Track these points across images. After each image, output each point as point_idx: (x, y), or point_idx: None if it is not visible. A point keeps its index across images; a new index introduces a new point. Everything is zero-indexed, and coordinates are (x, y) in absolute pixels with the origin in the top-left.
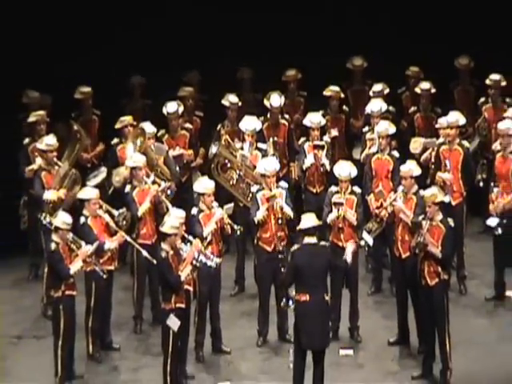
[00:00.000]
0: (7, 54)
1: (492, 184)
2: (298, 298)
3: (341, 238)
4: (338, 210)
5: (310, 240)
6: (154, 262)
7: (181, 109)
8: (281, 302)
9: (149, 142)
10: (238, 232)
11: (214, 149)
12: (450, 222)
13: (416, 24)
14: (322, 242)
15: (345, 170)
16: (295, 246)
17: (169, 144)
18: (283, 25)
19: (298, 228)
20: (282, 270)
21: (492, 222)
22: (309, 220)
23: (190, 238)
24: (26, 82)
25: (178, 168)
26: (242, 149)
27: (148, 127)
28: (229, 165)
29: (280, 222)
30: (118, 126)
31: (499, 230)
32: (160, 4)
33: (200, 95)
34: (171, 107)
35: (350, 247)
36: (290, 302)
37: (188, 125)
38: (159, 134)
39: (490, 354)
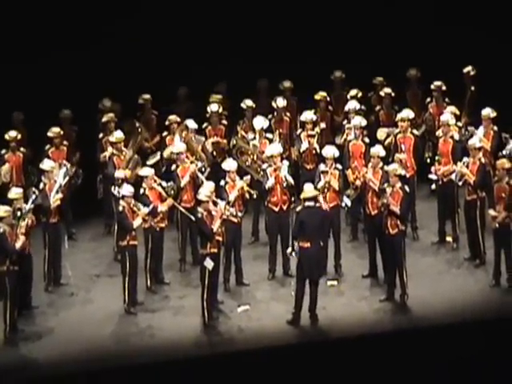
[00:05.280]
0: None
1: (436, 158)
2: (301, 244)
3: (327, 201)
4: (325, 177)
5: (310, 203)
6: (193, 218)
7: (220, 109)
8: (286, 249)
9: (190, 134)
10: (255, 196)
11: (233, 140)
12: (406, 188)
13: (380, 47)
14: (318, 204)
15: (330, 151)
16: (299, 208)
17: (210, 134)
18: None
19: (301, 196)
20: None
21: (432, 176)
22: (310, 191)
23: (219, 201)
24: (103, 92)
25: (214, 152)
26: (254, 139)
27: (190, 123)
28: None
29: (285, 185)
30: (167, 122)
31: (434, 186)
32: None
33: (226, 100)
34: (214, 107)
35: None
36: (294, 253)
37: (225, 121)
38: (204, 126)
39: (435, 282)
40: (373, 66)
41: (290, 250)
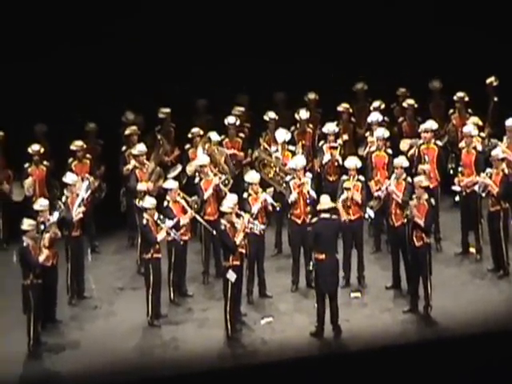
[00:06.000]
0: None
1: (459, 169)
2: (316, 256)
3: (350, 213)
4: (348, 193)
5: (326, 215)
6: (214, 232)
7: (238, 121)
8: (309, 261)
9: (213, 146)
10: (278, 208)
11: (255, 153)
12: (432, 201)
13: (402, 59)
14: (334, 216)
15: (352, 162)
16: (314, 219)
17: (227, 146)
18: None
19: (317, 208)
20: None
21: (456, 188)
22: (326, 203)
23: (242, 213)
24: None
25: (232, 164)
26: (276, 151)
27: (214, 136)
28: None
29: (308, 201)
30: (190, 135)
31: (457, 197)
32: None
33: (248, 112)
34: (231, 120)
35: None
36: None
37: (242, 134)
38: (220, 138)
39: (458, 293)
40: (395, 77)
41: (311, 265)
